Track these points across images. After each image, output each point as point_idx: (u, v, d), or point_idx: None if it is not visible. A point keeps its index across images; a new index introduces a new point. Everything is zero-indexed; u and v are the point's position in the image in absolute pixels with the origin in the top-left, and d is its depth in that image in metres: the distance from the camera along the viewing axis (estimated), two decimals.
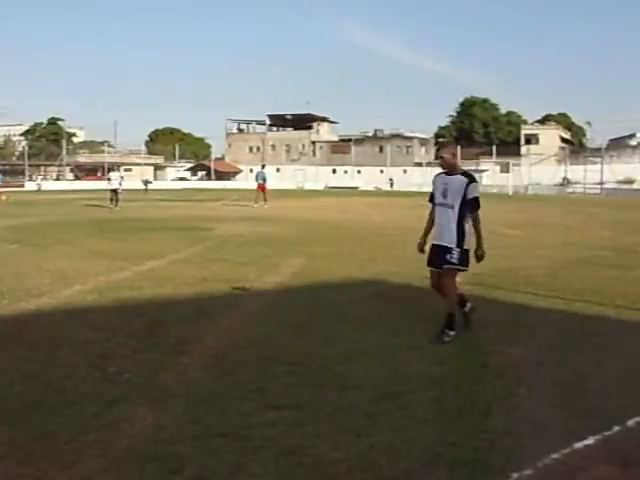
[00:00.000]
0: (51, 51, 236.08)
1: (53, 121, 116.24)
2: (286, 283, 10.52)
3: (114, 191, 32.83)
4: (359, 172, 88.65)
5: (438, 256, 7.25)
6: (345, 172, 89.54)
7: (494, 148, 78.81)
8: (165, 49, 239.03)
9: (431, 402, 5.13)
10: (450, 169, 7.35)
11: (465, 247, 7.11)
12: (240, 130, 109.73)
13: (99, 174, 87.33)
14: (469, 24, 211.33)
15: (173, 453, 4.18)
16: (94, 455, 4.14)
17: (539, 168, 76.26)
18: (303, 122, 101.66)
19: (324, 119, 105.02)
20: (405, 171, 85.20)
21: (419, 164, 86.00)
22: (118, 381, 5.63)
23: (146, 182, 60.26)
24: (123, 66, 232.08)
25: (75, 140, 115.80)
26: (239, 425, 4.62)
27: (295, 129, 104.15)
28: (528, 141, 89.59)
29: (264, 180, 34.28)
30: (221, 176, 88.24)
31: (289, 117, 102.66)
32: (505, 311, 8.56)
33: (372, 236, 18.71)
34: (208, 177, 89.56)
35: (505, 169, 74.44)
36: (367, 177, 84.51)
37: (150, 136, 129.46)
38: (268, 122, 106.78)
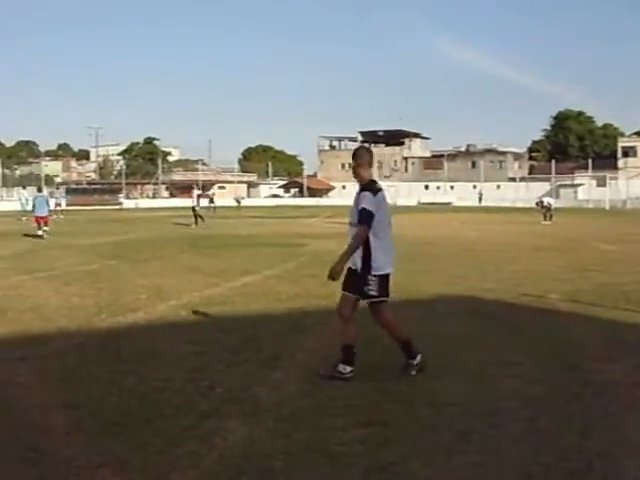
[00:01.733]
0: (145, 71, 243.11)
1: (149, 140, 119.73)
2: None
3: (194, 209, 32.98)
4: (452, 188, 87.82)
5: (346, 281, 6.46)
6: (437, 188, 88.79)
7: (590, 162, 76.91)
8: (259, 67, 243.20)
9: (525, 421, 5.00)
10: (359, 181, 6.40)
11: (372, 272, 6.19)
12: (332, 147, 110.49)
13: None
14: (562, 36, 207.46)
15: (264, 467, 4.20)
16: (186, 467, 4.20)
17: (637, 182, 74.04)
18: (395, 138, 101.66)
19: (416, 135, 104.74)
20: (498, 186, 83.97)
21: (513, 179, 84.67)
22: (211, 395, 5.70)
23: (238, 199, 61.15)
24: (217, 85, 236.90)
25: (170, 159, 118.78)
26: (330, 441, 4.60)
27: (387, 145, 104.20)
28: (626, 154, 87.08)
29: None
30: (314, 193, 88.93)
31: (381, 133, 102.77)
32: (605, 329, 8.28)
33: (465, 252, 18.48)
34: (301, 194, 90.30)
35: (602, 183, 72.48)
36: (460, 193, 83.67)
37: (243, 154, 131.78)
38: (360, 138, 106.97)
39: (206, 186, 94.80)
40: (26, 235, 25.17)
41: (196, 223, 32.24)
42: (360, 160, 6.37)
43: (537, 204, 37.45)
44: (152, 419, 5.08)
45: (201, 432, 4.80)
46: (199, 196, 34.75)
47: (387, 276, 6.30)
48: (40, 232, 24.30)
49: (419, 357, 6.38)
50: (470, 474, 4.11)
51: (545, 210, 34.44)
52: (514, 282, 12.15)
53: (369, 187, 6.19)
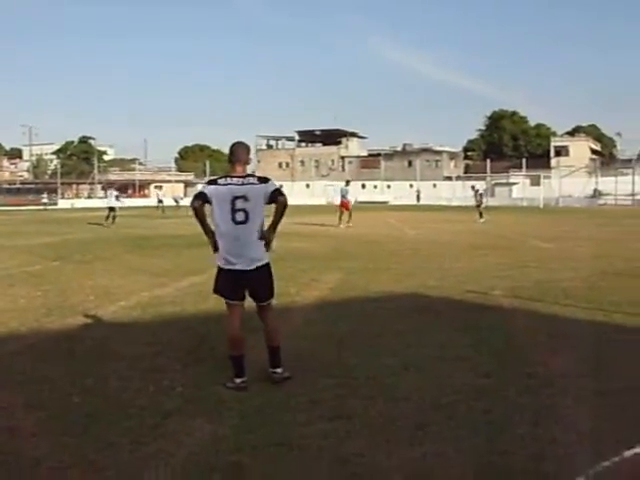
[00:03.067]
0: (80, 70, 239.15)
1: (84, 140, 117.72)
2: (325, 298, 10.65)
3: (112, 209, 33.63)
4: (389, 187, 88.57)
5: None
6: (375, 187, 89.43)
7: (524, 161, 78.40)
8: (194, 66, 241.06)
9: (479, 412, 5.22)
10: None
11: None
12: (269, 146, 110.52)
13: (130, 191, 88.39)
14: (496, 39, 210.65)
15: (234, 462, 4.32)
16: (158, 465, 4.28)
17: (570, 180, 75.78)
18: (332, 137, 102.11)
19: (353, 134, 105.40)
20: (435, 185, 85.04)
21: (449, 178, 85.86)
22: (172, 394, 5.78)
23: (177, 199, 60.86)
24: (151, 84, 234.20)
25: (106, 158, 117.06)
26: (294, 435, 4.75)
27: (324, 145, 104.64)
28: (558, 153, 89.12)
29: (344, 197, 31.50)
30: None
31: (318, 133, 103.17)
32: (546, 323, 8.60)
33: (407, 250, 18.79)
34: None
35: (535, 182, 74.01)
36: (397, 192, 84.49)
37: (180, 153, 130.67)
38: (297, 138, 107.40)
39: (143, 185, 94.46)
40: None
41: (109, 220, 33.00)
42: (233, 157, 6.19)
43: (472, 187, 38.18)
44: (117, 419, 5.15)
45: (167, 431, 4.89)
46: (117, 197, 35.53)
47: (229, 272, 6.05)
48: None
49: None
50: (432, 463, 4.30)
51: (479, 198, 35.20)
52: (457, 279, 12.44)
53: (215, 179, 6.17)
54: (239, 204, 5.89)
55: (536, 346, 7.39)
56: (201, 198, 5.98)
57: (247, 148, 6.37)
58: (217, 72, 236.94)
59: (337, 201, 32.50)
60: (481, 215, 34.39)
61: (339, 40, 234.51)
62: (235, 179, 6.00)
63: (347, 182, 33.72)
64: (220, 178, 6.12)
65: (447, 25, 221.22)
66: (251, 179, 6.05)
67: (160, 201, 56.06)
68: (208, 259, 6.30)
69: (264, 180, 6.13)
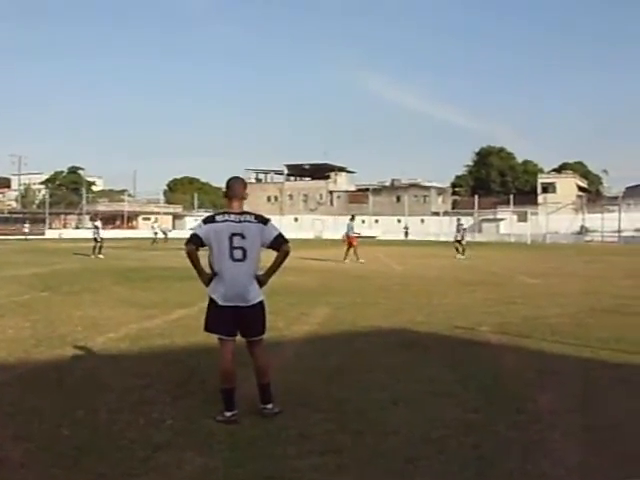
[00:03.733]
0: (70, 100, 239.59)
1: (73, 170, 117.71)
2: (314, 332, 10.66)
3: (95, 239, 34.04)
4: (376, 221, 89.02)
5: None
6: (362, 221, 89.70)
7: (511, 197, 79.07)
8: (182, 99, 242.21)
9: (469, 447, 5.26)
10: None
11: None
12: (258, 180, 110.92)
13: (118, 222, 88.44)
14: (484, 75, 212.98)
15: None
16: None
17: (556, 217, 76.45)
18: (321, 172, 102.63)
19: (341, 169, 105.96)
20: (422, 220, 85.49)
21: (436, 213, 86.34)
22: (162, 427, 5.78)
23: (165, 231, 60.99)
24: (141, 116, 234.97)
25: (94, 189, 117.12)
26: (285, 469, 4.76)
27: (313, 179, 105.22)
28: (545, 190, 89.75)
29: (349, 232, 31.31)
30: None
31: (307, 167, 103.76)
32: (534, 359, 8.64)
33: (395, 286, 18.85)
34: None
35: (523, 218, 74.68)
36: (384, 226, 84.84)
37: (169, 185, 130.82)
38: (286, 172, 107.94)
39: (131, 217, 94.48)
40: None
41: (96, 253, 33.27)
42: (230, 193, 6.25)
43: (457, 220, 38.26)
44: (107, 451, 5.15)
45: (158, 463, 4.89)
46: (96, 227, 35.64)
47: (225, 309, 6.07)
48: None
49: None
50: None
51: (462, 234, 35.24)
52: (445, 315, 12.49)
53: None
54: (236, 242, 5.95)
55: (524, 382, 7.43)
56: (195, 242, 6.01)
57: (244, 183, 6.42)
58: (207, 105, 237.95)
59: (350, 234, 31.41)
60: (463, 251, 34.45)
61: (327, 75, 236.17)
62: (233, 216, 6.05)
63: (352, 217, 33.16)
64: (218, 215, 6.16)
65: (437, 62, 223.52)
66: (248, 217, 6.09)
67: (156, 233, 56.49)
68: (205, 292, 6.28)
69: (262, 219, 6.15)
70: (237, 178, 6.41)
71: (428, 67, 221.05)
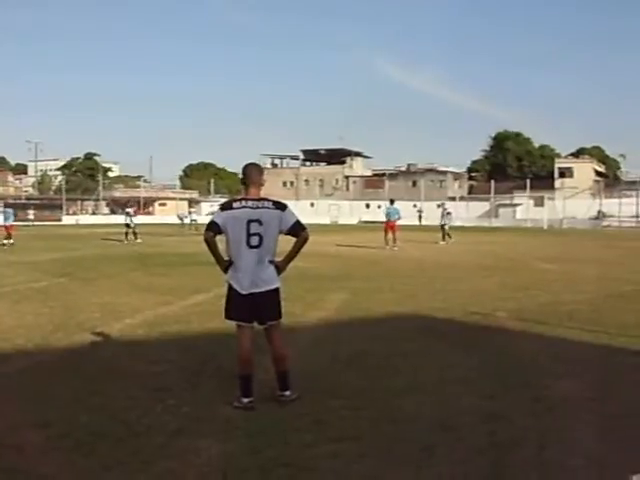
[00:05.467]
0: (86, 86, 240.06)
1: (89, 156, 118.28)
2: (332, 318, 10.67)
3: (127, 225, 35.15)
4: None
5: None
6: (378, 207, 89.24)
7: (528, 182, 78.52)
8: (198, 84, 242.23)
9: (485, 435, 5.24)
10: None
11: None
12: (274, 165, 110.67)
13: (135, 208, 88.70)
14: (502, 59, 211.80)
15: None
16: None
17: (573, 202, 75.82)
18: (337, 157, 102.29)
19: (357, 154, 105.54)
20: (439, 206, 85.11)
21: (453, 198, 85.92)
22: (179, 413, 5.80)
23: (181, 217, 60.91)
24: (157, 101, 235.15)
25: (110, 175, 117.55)
26: (302, 456, 4.77)
27: (329, 164, 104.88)
28: (562, 174, 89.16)
29: (398, 217, 30.86)
30: None
31: (323, 152, 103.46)
32: (551, 346, 8.60)
33: (411, 271, 18.82)
34: None
35: (539, 203, 74.10)
36: (401, 211, 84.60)
37: (184, 171, 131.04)
38: (302, 157, 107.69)
39: (147, 203, 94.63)
40: None
41: (129, 238, 34.32)
42: (247, 179, 6.23)
43: (442, 204, 37.74)
44: (125, 438, 5.17)
45: (175, 450, 4.91)
46: (128, 214, 36.21)
47: (243, 296, 6.05)
48: None
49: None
50: None
51: (446, 218, 35.24)
52: (462, 301, 12.46)
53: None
54: (253, 228, 5.94)
55: (541, 369, 7.41)
56: (213, 229, 6.01)
57: (260, 170, 6.41)
58: (219, 89, 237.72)
59: (392, 219, 30.74)
60: (449, 236, 34.38)
61: (344, 60, 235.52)
62: (250, 202, 6.03)
63: (391, 201, 32.52)
64: (235, 201, 6.15)
65: (453, 47, 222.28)
66: (266, 203, 6.07)
67: (181, 219, 56.30)
68: (222, 277, 6.28)
69: (280, 205, 6.13)
70: (253, 164, 6.40)
71: (444, 52, 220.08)
